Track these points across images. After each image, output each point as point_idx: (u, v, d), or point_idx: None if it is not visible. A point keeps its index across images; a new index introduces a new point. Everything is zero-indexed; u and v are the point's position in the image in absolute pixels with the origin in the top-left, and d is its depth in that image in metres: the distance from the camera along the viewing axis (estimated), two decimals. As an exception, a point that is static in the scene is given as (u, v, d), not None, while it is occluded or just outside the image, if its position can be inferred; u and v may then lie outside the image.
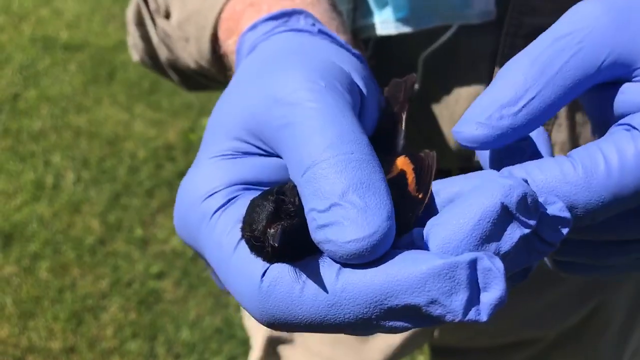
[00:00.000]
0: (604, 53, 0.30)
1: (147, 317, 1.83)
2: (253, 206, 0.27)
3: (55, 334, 1.76)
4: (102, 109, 2.57)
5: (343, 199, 0.26)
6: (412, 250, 0.26)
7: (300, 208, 0.27)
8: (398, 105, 0.38)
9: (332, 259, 0.26)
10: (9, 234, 2.02)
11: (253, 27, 0.38)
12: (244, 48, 0.37)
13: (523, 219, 0.27)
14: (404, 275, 0.25)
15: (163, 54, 0.53)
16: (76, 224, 2.07)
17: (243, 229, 0.28)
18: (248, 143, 0.31)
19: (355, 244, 0.25)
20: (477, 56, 0.48)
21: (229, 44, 0.42)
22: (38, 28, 3.08)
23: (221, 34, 0.43)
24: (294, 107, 0.28)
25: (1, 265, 1.93)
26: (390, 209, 0.26)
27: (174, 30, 0.49)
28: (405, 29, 0.47)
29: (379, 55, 0.51)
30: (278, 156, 0.30)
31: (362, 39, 0.49)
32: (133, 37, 0.56)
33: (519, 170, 0.29)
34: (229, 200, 0.30)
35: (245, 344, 1.75)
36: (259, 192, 0.29)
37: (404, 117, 0.37)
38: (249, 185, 0.30)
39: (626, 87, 0.31)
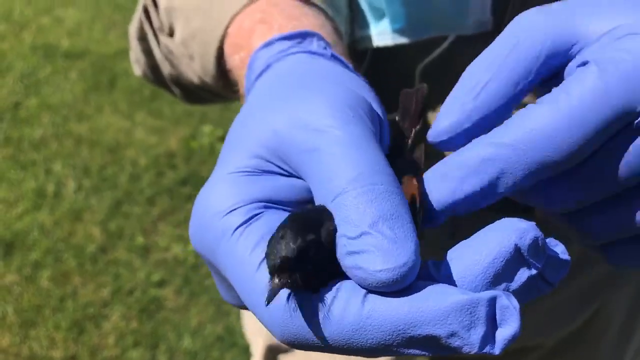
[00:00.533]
0: (540, 41, 0.32)
1: (149, 325, 1.82)
2: (281, 237, 0.27)
3: (56, 343, 1.76)
4: (103, 116, 2.57)
5: (373, 229, 0.26)
6: (437, 284, 0.27)
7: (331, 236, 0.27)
8: (409, 119, 0.37)
9: (359, 285, 0.27)
10: (10, 242, 2.02)
11: (268, 44, 0.38)
12: (256, 65, 0.37)
13: (532, 261, 0.28)
14: (429, 307, 0.26)
15: (166, 69, 0.53)
16: (77, 232, 2.07)
17: (269, 258, 0.27)
18: (268, 162, 0.31)
19: (385, 273, 0.26)
20: None
21: (235, 59, 0.42)
22: (39, 36, 3.09)
23: (227, 49, 0.43)
24: (322, 134, 0.29)
25: (2, 274, 1.93)
26: (416, 242, 0.27)
27: (178, 48, 0.49)
28: (402, 40, 0.47)
29: (375, 66, 0.50)
30: (298, 177, 0.31)
31: (359, 50, 0.49)
32: (135, 52, 0.57)
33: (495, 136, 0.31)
34: (250, 218, 0.30)
35: (246, 352, 1.74)
36: (279, 211, 0.30)
37: (413, 132, 0.37)
38: (269, 203, 0.30)
39: (568, 68, 0.32)
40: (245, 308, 0.32)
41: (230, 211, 0.30)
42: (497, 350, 0.26)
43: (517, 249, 0.27)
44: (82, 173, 2.29)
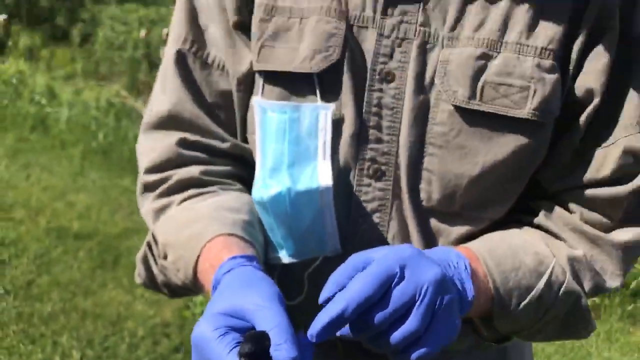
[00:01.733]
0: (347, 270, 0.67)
1: None
2: (247, 341, 0.58)
3: None
4: (106, 291, 2.84)
5: (286, 343, 0.57)
6: None
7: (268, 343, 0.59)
8: None
9: None
10: (17, 412, 2.19)
11: (233, 258, 0.70)
12: (225, 267, 0.69)
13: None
14: None
15: (160, 279, 0.84)
16: (79, 400, 2.25)
17: (240, 351, 0.58)
18: (235, 311, 0.61)
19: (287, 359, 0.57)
20: None
21: (205, 265, 0.73)
22: (53, 220, 3.45)
23: (200, 264, 0.74)
24: (263, 308, 0.60)
25: None
26: (299, 354, 0.58)
27: (170, 265, 0.80)
28: (294, 260, 0.78)
29: (283, 270, 0.80)
30: (247, 321, 0.61)
31: (273, 264, 0.80)
32: (139, 269, 0.86)
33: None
34: (224, 333, 0.59)
35: None
36: (236, 333, 0.60)
37: None
38: (232, 328, 0.60)
39: None
40: None
41: (216, 329, 0.60)
42: None
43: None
44: (86, 344, 2.51)
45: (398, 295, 0.61)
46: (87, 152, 4.38)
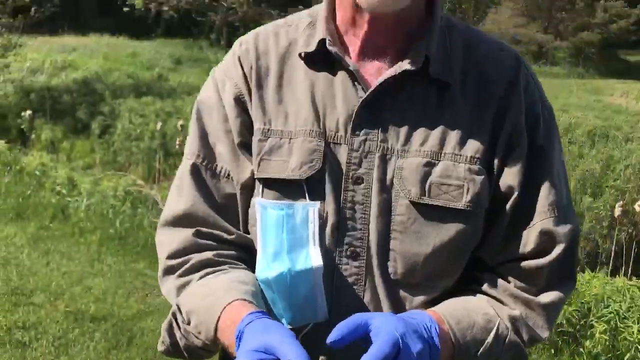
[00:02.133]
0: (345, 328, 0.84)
1: None
2: None
3: None
4: (121, 371, 2.99)
5: None
6: None
7: None
8: None
9: None
10: None
11: (251, 313, 0.88)
12: (245, 320, 0.88)
13: None
14: None
15: (183, 342, 1.01)
16: None
17: None
18: (264, 346, 0.80)
19: None
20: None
21: (227, 322, 0.92)
22: (71, 304, 3.62)
23: (220, 323, 0.94)
24: (283, 343, 0.79)
25: None
26: None
27: (192, 329, 0.98)
28: (293, 327, 0.97)
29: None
30: (273, 354, 0.79)
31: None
32: (163, 337, 1.03)
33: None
34: None
35: None
36: None
37: None
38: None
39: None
40: None
41: None
42: None
43: None
44: (101, 422, 2.64)
45: (406, 357, 0.82)
46: (104, 238, 4.60)
